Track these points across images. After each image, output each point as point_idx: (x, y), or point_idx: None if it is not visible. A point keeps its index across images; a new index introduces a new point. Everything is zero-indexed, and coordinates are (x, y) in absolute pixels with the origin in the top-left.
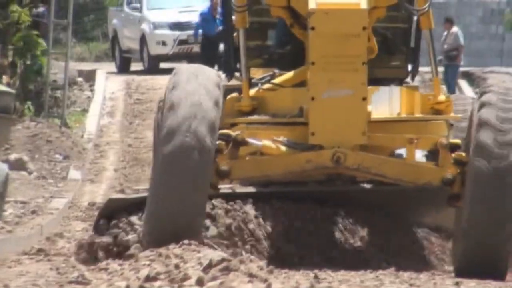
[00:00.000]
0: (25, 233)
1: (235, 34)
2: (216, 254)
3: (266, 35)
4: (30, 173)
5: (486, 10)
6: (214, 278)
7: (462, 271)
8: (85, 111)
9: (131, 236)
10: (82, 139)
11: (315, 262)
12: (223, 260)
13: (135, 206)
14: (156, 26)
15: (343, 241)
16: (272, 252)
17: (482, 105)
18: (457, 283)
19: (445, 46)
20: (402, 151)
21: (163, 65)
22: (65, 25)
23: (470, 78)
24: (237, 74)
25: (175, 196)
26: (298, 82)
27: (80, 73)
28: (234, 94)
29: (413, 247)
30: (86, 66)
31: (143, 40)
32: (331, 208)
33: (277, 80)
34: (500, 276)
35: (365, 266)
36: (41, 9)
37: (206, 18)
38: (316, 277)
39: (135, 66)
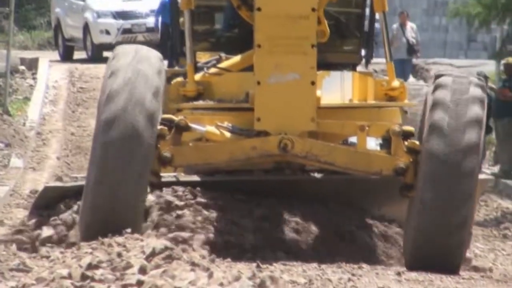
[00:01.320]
0: None
1: (181, 19)
2: (159, 243)
3: (214, 19)
4: None
5: (430, 2)
6: (156, 267)
7: (414, 263)
8: (27, 99)
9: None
10: (24, 127)
11: (260, 252)
12: (166, 248)
13: (72, 194)
14: (99, 14)
15: (290, 232)
16: (215, 242)
17: (437, 87)
18: (398, 273)
19: (413, 40)
20: (356, 139)
21: (106, 53)
22: (7, 13)
23: (414, 69)
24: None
25: (113, 186)
26: (246, 67)
27: (23, 61)
28: (179, 79)
29: (364, 238)
30: (28, 54)
31: (86, 28)
32: (279, 197)
33: (223, 64)
34: (453, 266)
35: (313, 257)
36: None
37: (166, 5)
38: (258, 266)
39: (79, 54)
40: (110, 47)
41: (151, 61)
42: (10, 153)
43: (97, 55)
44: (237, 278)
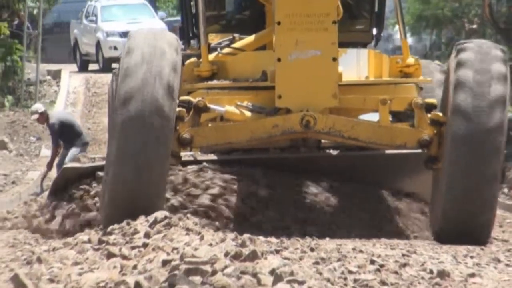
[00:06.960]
0: (7, 199)
1: (192, 3)
2: (160, 213)
3: (224, 3)
4: (10, 151)
5: None
6: (158, 232)
7: (442, 235)
8: (53, 102)
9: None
10: None
11: (276, 229)
12: (165, 217)
13: (90, 174)
14: (108, 34)
15: (306, 208)
16: (234, 218)
17: (459, 64)
18: (352, 234)
19: None
20: (362, 116)
21: (115, 65)
22: (36, 35)
23: None
24: (193, 42)
25: (135, 163)
26: (259, 46)
27: (49, 72)
28: (193, 59)
29: (383, 213)
30: (53, 67)
31: (98, 45)
32: (296, 174)
33: (237, 45)
34: (482, 240)
35: (328, 234)
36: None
37: None
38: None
39: (92, 66)
40: (117, 60)
41: (168, 38)
42: (41, 145)
43: (107, 66)
44: (223, 240)
